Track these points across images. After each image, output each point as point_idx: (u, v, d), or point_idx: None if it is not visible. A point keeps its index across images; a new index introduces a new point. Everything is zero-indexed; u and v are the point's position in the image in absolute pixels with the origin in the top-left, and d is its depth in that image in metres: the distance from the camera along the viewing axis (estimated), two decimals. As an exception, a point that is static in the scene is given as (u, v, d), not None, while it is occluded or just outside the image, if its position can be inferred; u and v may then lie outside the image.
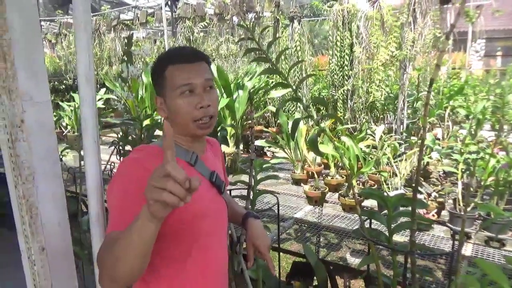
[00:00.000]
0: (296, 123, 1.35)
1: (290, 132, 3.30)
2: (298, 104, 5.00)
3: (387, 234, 1.39)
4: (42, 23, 10.19)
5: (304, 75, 5.08)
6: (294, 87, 1.36)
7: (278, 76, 1.38)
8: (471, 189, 2.56)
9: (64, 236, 1.16)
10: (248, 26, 1.37)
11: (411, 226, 1.13)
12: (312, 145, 1.33)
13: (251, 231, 1.25)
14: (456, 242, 1.48)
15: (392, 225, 1.36)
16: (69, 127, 5.96)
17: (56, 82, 8.31)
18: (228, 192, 1.68)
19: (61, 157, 2.82)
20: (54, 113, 5.78)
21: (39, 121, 1.07)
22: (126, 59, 2.02)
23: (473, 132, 2.64)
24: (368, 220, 1.53)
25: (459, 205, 2.42)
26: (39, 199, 1.09)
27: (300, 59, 4.81)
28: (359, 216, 1.39)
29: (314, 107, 4.90)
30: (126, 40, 2.08)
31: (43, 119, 1.08)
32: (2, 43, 0.99)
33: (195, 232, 1.02)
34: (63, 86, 8.26)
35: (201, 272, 1.05)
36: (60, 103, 6.32)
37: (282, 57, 5.10)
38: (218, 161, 1.23)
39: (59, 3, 10.53)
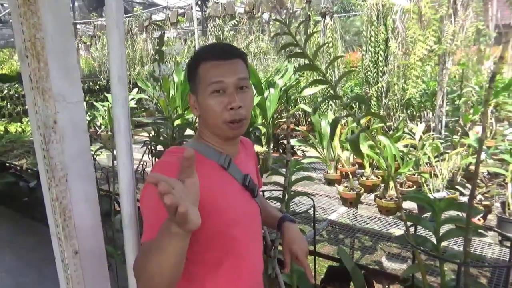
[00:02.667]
0: (335, 123, 1.27)
1: (329, 131, 3.20)
2: (331, 102, 4.87)
3: (434, 242, 1.29)
4: (78, 25, 10.52)
5: (336, 72, 4.94)
6: (333, 84, 1.28)
7: (311, 73, 1.30)
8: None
9: (97, 239, 1.14)
10: (285, 20, 1.30)
11: (465, 235, 1.03)
12: (353, 145, 1.25)
13: (287, 236, 1.19)
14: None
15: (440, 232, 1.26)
16: (102, 127, 6.10)
17: (90, 83, 8.56)
18: (261, 193, 1.63)
19: (95, 156, 2.87)
20: (89, 113, 5.93)
21: (72, 121, 1.05)
22: (157, 58, 2.00)
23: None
24: (413, 226, 1.43)
25: (509, 209, 2.25)
26: (73, 201, 1.07)
27: (333, 56, 4.68)
28: (403, 222, 1.30)
29: (348, 105, 4.76)
30: (157, 40, 2.07)
31: (76, 120, 1.06)
32: (35, 42, 0.97)
33: (228, 239, 0.98)
34: (97, 87, 8.50)
35: (234, 279, 1.00)
36: (95, 103, 6.48)
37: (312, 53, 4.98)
38: (251, 162, 1.17)
39: (94, 6, 10.84)
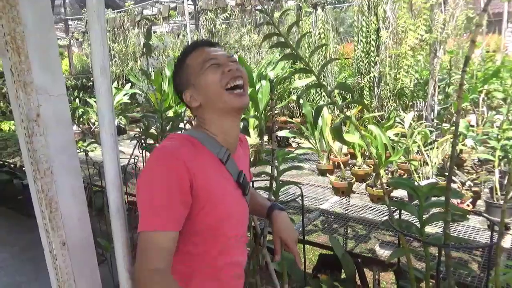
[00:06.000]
0: (318, 111, 1.29)
1: (313, 120, 3.22)
2: (323, 93, 4.89)
3: (419, 226, 1.31)
4: (70, 22, 10.44)
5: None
6: (316, 73, 1.29)
7: (301, 63, 1.31)
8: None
9: (84, 230, 1.15)
10: (267, 11, 1.31)
11: (445, 217, 1.05)
12: (337, 133, 1.26)
13: (277, 224, 1.18)
14: (495, 234, 1.38)
15: (424, 216, 1.28)
16: (97, 123, 6.09)
17: (84, 79, 8.52)
18: (250, 183, 1.63)
19: (88, 151, 2.87)
20: (82, 109, 5.90)
21: (55, 114, 1.06)
22: (145, 51, 2.00)
23: (510, 117, 2.48)
24: (398, 211, 1.45)
25: (497, 194, 2.28)
26: (58, 193, 1.08)
27: (325, 47, 4.68)
28: (388, 207, 1.32)
29: (340, 96, 4.75)
30: (145, 33, 2.07)
31: (59, 113, 1.07)
32: (15, 36, 0.98)
33: (217, 234, 0.98)
34: (91, 83, 8.46)
35: (218, 273, 1.01)
36: (88, 99, 6.47)
37: (305, 45, 4.98)
38: (246, 159, 1.18)
39: (85, 2, 10.75)
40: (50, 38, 1.05)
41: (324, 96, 4.88)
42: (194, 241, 0.96)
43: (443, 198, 1.49)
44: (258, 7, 6.05)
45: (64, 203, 1.09)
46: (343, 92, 4.86)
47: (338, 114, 4.38)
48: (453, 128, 2.93)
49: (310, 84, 4.38)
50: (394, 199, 2.72)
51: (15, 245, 3.73)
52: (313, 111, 3.57)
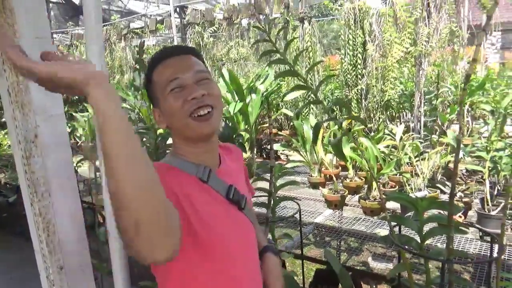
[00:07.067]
0: (317, 128, 1.29)
1: (312, 136, 3.24)
2: (312, 106, 4.93)
3: (418, 240, 1.31)
4: (54, 35, 10.34)
5: (316, 76, 5.00)
6: (314, 89, 1.30)
7: (292, 78, 1.32)
8: (499, 187, 2.46)
9: (82, 253, 1.12)
10: (264, 27, 1.32)
11: (448, 232, 1.06)
12: (336, 148, 1.27)
13: (266, 268, 1.06)
14: (489, 246, 1.39)
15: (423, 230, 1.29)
16: (83, 138, 6.00)
17: (69, 93, 8.39)
18: (254, 208, 1.47)
19: (76, 168, 2.81)
20: (69, 124, 5.79)
21: (53, 135, 1.04)
22: (138, 67, 1.99)
23: (498, 128, 2.53)
24: (397, 226, 1.45)
25: (488, 205, 2.32)
26: (56, 216, 1.05)
27: (312, 60, 4.73)
28: (388, 222, 1.32)
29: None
30: (137, 49, 2.05)
31: (57, 133, 1.05)
32: (13, 56, 0.96)
33: (220, 261, 0.88)
34: (76, 97, 8.35)
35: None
36: (74, 113, 6.37)
37: (293, 57, 5.04)
38: (239, 170, 1.08)
39: (70, 15, 10.68)
40: (48, 57, 1.04)
41: (312, 108, 4.92)
42: (195, 275, 0.87)
43: (439, 211, 1.50)
44: (253, 23, 6.08)
45: (62, 226, 1.06)
46: (336, 105, 4.91)
47: (327, 127, 4.42)
48: (441, 139, 2.98)
49: (300, 99, 4.42)
50: (388, 211, 2.73)
51: (1, 265, 3.60)
52: (303, 124, 3.60)
